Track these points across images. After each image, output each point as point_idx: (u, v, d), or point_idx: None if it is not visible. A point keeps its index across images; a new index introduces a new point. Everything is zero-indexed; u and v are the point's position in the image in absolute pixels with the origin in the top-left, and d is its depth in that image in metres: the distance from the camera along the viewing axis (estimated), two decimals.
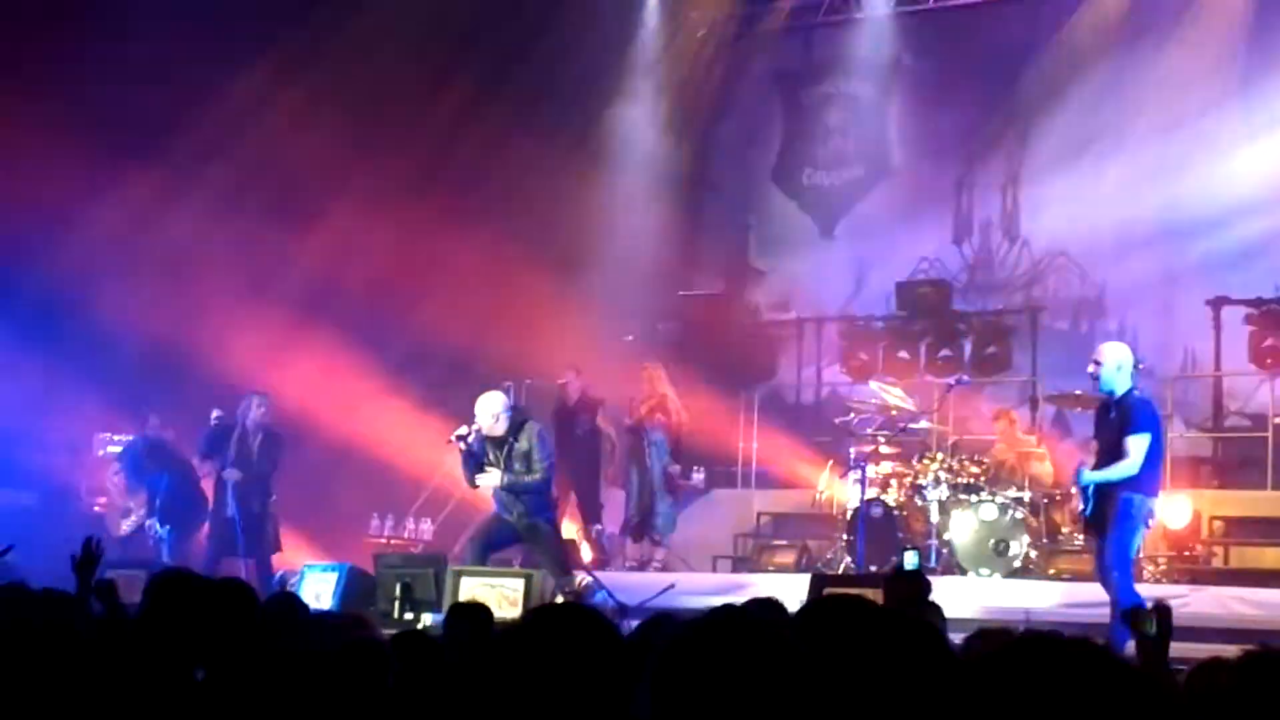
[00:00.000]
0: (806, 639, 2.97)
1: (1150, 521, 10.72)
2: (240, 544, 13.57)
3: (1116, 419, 10.42)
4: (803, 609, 3.92)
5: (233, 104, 16.08)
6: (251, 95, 16.12)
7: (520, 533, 12.24)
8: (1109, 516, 10.31)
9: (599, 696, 3.03)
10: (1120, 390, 10.46)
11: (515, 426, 12.02)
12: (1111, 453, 10.38)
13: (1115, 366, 10.46)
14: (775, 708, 2.24)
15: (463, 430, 11.96)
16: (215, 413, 14.19)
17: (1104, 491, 10.35)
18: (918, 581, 8.23)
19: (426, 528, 15.80)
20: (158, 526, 14.33)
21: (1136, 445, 10.22)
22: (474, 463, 12.05)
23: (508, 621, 6.16)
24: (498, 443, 11.97)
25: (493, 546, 12.32)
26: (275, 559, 13.92)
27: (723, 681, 2.26)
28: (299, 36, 16.27)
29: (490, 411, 11.94)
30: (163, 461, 14.69)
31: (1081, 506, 10.67)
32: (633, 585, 12.12)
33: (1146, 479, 10.37)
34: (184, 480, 14.50)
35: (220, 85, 16.07)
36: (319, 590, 11.68)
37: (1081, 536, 12.92)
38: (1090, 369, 10.60)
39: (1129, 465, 10.21)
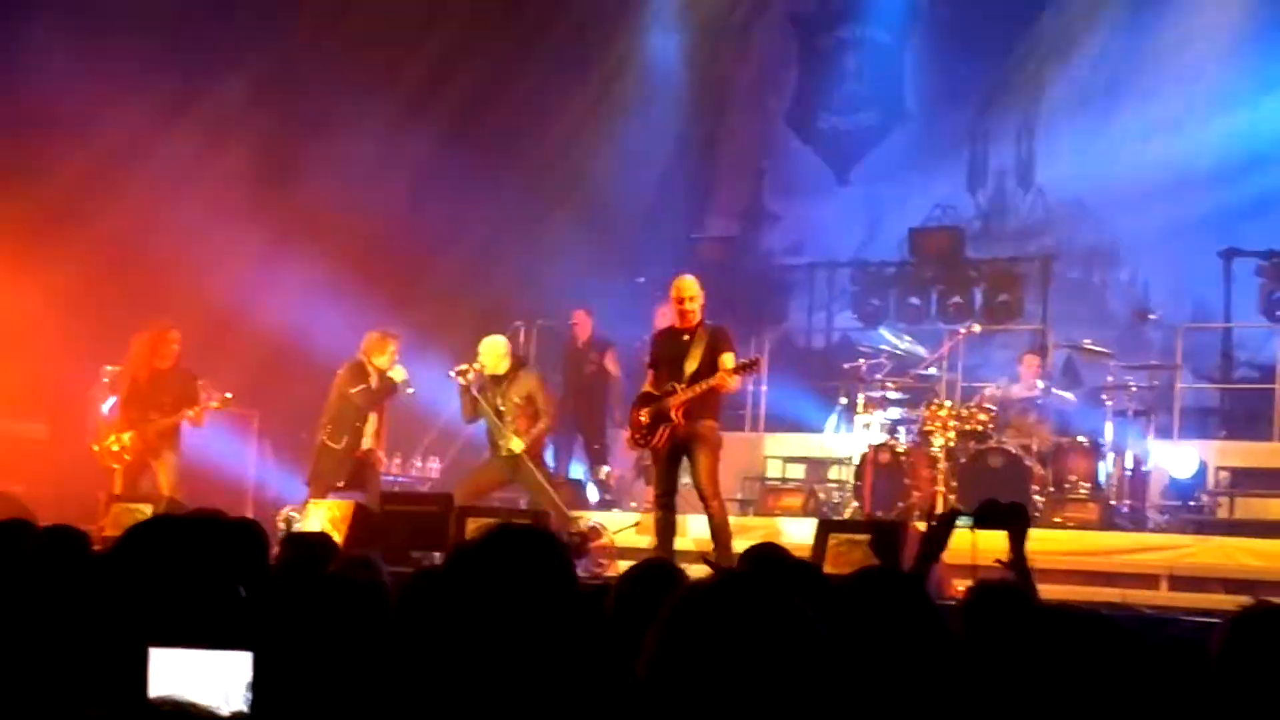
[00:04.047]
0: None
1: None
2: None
3: (711, 344, 10.75)
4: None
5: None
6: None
7: (506, 469, 12.64)
8: (699, 441, 10.79)
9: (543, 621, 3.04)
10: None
11: (515, 367, 12.80)
12: (700, 374, 10.73)
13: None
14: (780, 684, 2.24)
15: (463, 367, 12.62)
16: None
17: (693, 414, 10.72)
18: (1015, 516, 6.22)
19: (434, 466, 15.82)
20: None
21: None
22: (471, 400, 12.65)
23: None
24: (497, 381, 12.63)
25: (482, 494, 12.85)
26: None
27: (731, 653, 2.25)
28: None
29: (497, 352, 12.70)
30: None
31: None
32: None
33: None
34: None
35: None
36: (325, 529, 11.67)
37: (1087, 485, 12.98)
38: (687, 304, 10.87)
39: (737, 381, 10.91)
